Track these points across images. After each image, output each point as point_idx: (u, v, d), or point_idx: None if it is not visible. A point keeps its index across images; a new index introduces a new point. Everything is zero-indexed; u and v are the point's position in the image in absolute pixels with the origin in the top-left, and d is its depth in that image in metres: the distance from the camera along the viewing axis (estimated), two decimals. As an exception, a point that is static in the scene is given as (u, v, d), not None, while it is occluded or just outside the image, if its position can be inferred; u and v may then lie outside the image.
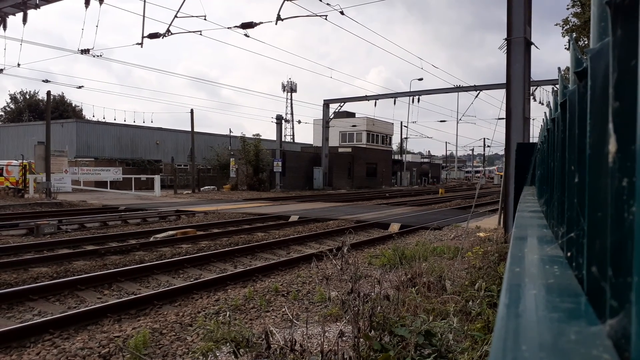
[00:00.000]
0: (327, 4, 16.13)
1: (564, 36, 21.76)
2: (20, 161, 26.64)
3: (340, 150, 44.71)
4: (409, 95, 34.49)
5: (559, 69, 1.63)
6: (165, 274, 8.15)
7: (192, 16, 16.77)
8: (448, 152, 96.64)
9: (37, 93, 57.41)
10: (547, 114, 2.56)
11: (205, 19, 16.66)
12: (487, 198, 28.47)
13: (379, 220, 15.29)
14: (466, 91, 31.72)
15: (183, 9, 18.74)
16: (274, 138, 36.33)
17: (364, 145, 47.99)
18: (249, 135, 37.02)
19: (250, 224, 14.91)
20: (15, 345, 4.82)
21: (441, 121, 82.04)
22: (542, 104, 24.23)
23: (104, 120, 40.55)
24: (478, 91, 30.87)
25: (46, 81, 24.89)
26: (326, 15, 16.45)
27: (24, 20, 16.77)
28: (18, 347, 4.80)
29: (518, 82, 10.64)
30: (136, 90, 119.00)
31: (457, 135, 77.71)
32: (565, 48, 20.76)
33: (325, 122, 38.48)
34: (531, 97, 12.48)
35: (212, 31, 57.99)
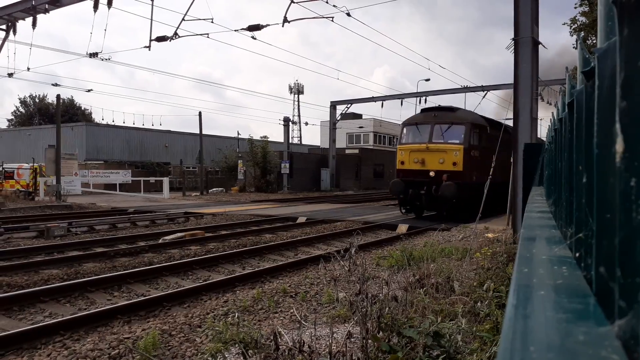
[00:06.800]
0: (334, 5, 16.15)
1: (572, 35, 21.63)
2: (31, 164, 26.92)
3: (347, 151, 44.67)
4: (416, 96, 34.38)
5: (566, 68, 1.62)
6: (174, 275, 8.18)
7: (200, 19, 16.86)
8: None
9: (46, 96, 57.98)
10: (555, 114, 2.55)
11: (212, 22, 16.74)
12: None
13: (386, 222, 15.25)
14: (473, 92, 31.57)
15: (189, 12, 18.84)
16: (281, 140, 36.39)
17: (371, 147, 47.92)
18: (256, 137, 37.11)
19: (258, 226, 14.93)
20: (26, 347, 4.87)
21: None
22: (550, 104, 24.08)
23: (113, 124, 40.85)
24: (485, 91, 30.72)
25: (55, 85, 25.15)
26: (332, 17, 16.47)
27: (34, 24, 16.95)
28: (29, 349, 4.84)
29: (525, 82, 10.58)
30: (141, 93, 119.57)
31: (465, 135, 76.84)
32: (573, 47, 20.62)
33: (332, 124, 38.47)
34: (539, 97, 12.41)
35: (218, 33, 58.16)
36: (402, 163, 16.50)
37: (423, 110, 17.62)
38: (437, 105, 21.85)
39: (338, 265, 5.71)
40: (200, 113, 33.51)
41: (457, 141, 15.53)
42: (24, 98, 58.95)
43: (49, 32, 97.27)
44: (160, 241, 11.27)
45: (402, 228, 14.07)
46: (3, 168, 27.47)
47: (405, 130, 17.14)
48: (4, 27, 17.98)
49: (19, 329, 5.23)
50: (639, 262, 0.53)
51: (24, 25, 17.78)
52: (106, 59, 18.62)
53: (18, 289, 6.99)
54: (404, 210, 17.13)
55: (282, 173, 34.39)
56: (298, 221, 15.97)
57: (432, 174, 15.43)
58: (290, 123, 37.78)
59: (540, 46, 10.95)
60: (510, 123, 12.70)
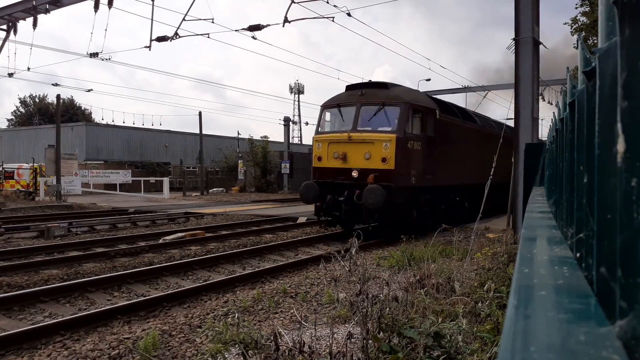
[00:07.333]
0: (334, 5, 16.15)
1: (573, 35, 21.66)
2: (31, 164, 26.93)
3: (347, 151, 44.55)
4: (417, 96, 34.34)
5: (567, 68, 1.62)
6: (175, 275, 8.18)
7: (201, 19, 16.85)
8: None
9: (46, 96, 57.97)
10: (556, 114, 2.55)
11: (213, 22, 16.74)
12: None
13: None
14: (474, 92, 31.59)
15: (189, 12, 18.84)
16: (282, 140, 36.41)
17: (372, 147, 47.80)
18: (256, 137, 37.13)
19: (258, 226, 14.94)
20: (26, 347, 4.87)
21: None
22: (551, 103, 24.09)
23: (113, 124, 40.87)
24: (486, 91, 30.73)
25: (56, 85, 25.16)
26: (333, 17, 16.46)
27: (34, 24, 16.95)
28: (29, 349, 4.84)
29: (526, 82, 10.58)
30: (141, 93, 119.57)
31: (465, 135, 76.70)
32: (574, 47, 20.64)
33: (333, 124, 38.47)
34: (540, 97, 12.40)
35: (218, 33, 58.09)
36: (319, 159, 12.33)
37: (348, 88, 12.75)
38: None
39: (338, 266, 5.71)
40: (200, 113, 33.57)
41: (389, 128, 11.36)
42: (24, 98, 58.96)
43: (49, 32, 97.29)
44: (160, 241, 11.27)
45: (403, 228, 14.04)
46: (3, 168, 27.48)
47: (324, 114, 12.82)
48: (4, 27, 17.98)
49: (19, 329, 5.23)
50: (640, 263, 0.53)
51: (24, 25, 17.80)
52: (106, 59, 18.61)
53: (18, 289, 6.99)
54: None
55: (283, 173, 34.41)
56: (298, 221, 15.98)
57: (355, 173, 11.32)
58: (290, 123, 37.83)
59: (540, 45, 10.95)
60: (510, 123, 12.70)
